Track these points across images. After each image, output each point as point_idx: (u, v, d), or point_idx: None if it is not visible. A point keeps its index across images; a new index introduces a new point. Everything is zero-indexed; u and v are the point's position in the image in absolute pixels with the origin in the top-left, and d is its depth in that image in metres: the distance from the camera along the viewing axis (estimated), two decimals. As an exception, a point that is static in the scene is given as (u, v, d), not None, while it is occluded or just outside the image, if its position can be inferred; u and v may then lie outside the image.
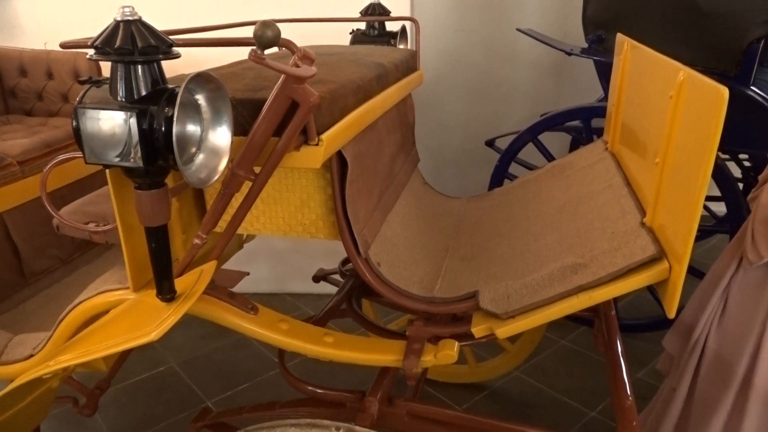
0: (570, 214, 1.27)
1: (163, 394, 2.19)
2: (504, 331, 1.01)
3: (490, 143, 2.62)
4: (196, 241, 0.99)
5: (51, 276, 1.77)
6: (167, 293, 0.91)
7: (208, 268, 0.99)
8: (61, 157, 0.98)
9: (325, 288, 2.38)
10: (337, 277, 1.93)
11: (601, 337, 1.37)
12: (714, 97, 0.78)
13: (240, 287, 2.29)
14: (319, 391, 1.26)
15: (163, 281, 0.90)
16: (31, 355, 1.24)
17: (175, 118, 0.72)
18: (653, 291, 2.45)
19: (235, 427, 1.35)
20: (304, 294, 2.87)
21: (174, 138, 0.72)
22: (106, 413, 2.07)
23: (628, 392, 1.07)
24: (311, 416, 1.22)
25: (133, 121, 0.73)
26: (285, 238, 2.86)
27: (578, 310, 0.96)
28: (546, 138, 2.41)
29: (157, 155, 0.76)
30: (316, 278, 1.95)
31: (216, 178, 0.84)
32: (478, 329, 1.06)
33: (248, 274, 2.41)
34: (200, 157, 0.83)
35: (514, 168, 2.40)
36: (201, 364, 2.36)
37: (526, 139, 2.40)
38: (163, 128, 0.75)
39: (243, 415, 1.30)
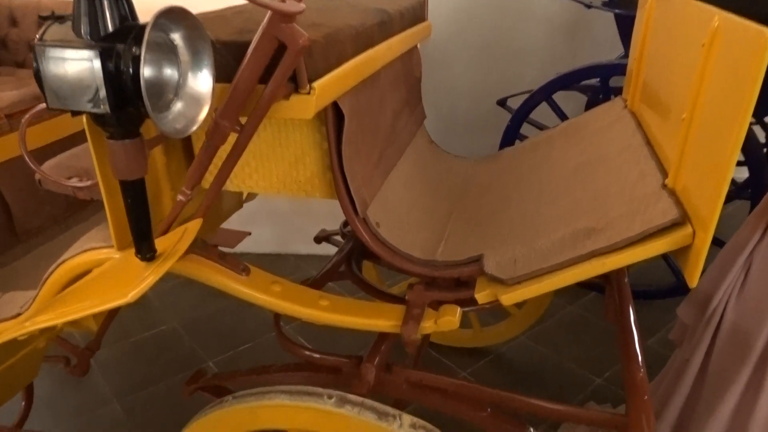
0: (585, 177, 1.18)
1: (164, 354, 2.17)
2: (509, 297, 0.95)
3: (501, 103, 2.51)
4: (180, 197, 0.93)
5: (44, 234, 1.72)
6: (147, 252, 0.85)
7: (192, 227, 0.93)
8: (41, 106, 0.91)
9: (329, 249, 2.32)
10: (339, 238, 1.87)
11: (613, 305, 1.30)
12: (755, 41, 0.69)
13: (243, 248, 2.26)
14: (315, 355, 1.21)
15: (141, 240, 0.84)
16: (19, 314, 1.20)
17: (143, 58, 0.64)
18: (666, 257, 2.37)
19: (228, 390, 1.31)
20: (307, 255, 2.82)
21: (142, 81, 0.65)
22: (107, 373, 2.06)
23: (640, 364, 1.01)
24: (307, 381, 1.17)
25: (97, 61, 0.65)
26: (287, 199, 2.81)
27: (589, 277, 0.89)
28: (561, 99, 2.30)
29: (127, 101, 0.69)
30: (318, 239, 1.89)
31: (194, 128, 0.76)
32: (482, 295, 0.99)
33: (249, 234, 2.36)
34: (178, 105, 0.75)
35: (526, 129, 2.30)
36: (202, 325, 2.33)
37: (540, 99, 2.30)
38: (130, 70, 0.67)
39: (237, 378, 1.26)
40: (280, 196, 2.75)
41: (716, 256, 1.35)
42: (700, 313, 1.31)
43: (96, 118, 0.73)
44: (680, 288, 2.39)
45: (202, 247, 1.06)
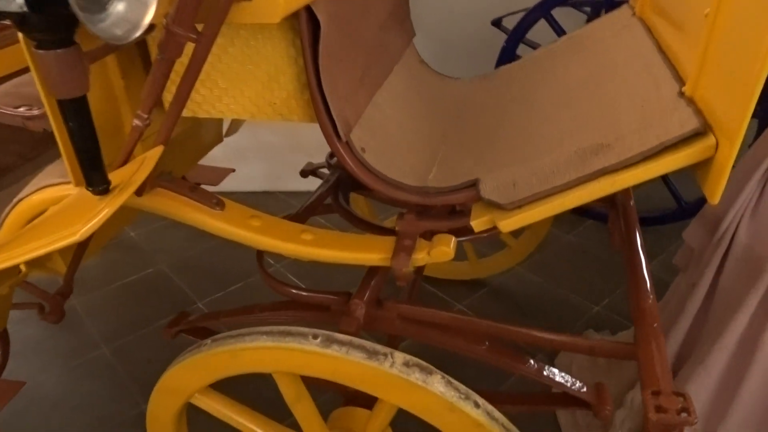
0: (590, 90, 1.07)
1: (153, 296, 2.11)
2: (508, 223, 0.86)
3: (496, 23, 2.36)
4: (136, 121, 0.82)
5: (13, 174, 1.61)
6: (99, 185, 0.75)
7: (152, 155, 0.82)
8: None
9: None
10: (327, 171, 1.77)
11: (617, 231, 1.22)
12: None
13: (231, 185, 2.15)
14: (301, 293, 1.14)
15: (91, 171, 0.74)
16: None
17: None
18: (667, 181, 2.30)
19: (213, 331, 1.25)
20: (299, 192, 2.73)
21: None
22: (95, 317, 2.01)
23: (649, 291, 0.94)
24: (294, 320, 1.11)
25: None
26: (277, 132, 2.68)
27: (596, 198, 0.80)
28: (560, 16, 2.15)
29: (47, -5, 0.57)
30: (304, 173, 1.78)
31: (138, 34, 0.65)
32: (479, 222, 0.91)
33: (233, 171, 2.24)
34: (119, 7, 0.64)
35: (523, 50, 2.16)
36: (191, 265, 2.27)
37: (537, 17, 2.15)
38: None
39: (221, 320, 1.20)
40: (263, 126, 2.63)
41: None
42: (708, 235, 1.24)
43: (18, 23, 0.62)
44: (680, 213, 2.33)
45: (169, 180, 0.96)
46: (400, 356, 0.81)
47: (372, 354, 0.81)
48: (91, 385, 1.74)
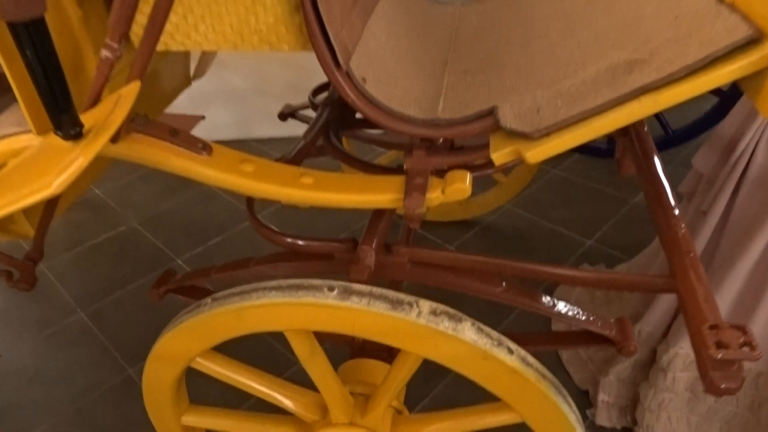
0: (605, 5, 0.98)
1: (128, 255, 1.99)
2: (536, 153, 0.78)
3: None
4: (105, 53, 0.69)
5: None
6: (69, 128, 0.63)
7: (129, 92, 0.70)
8: None
9: (296, 129, 2.10)
10: (307, 112, 1.65)
11: (629, 160, 1.16)
12: None
13: (197, 135, 2.01)
14: (300, 242, 1.05)
15: (58, 111, 0.62)
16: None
17: None
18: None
19: (205, 289, 1.16)
20: (271, 139, 2.59)
21: None
22: (67, 282, 1.88)
23: (679, 218, 0.88)
24: (294, 273, 1.02)
25: None
26: (244, 76, 2.50)
27: (636, 119, 0.73)
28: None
29: None
30: (283, 115, 1.66)
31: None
32: (500, 155, 0.82)
33: (203, 117, 2.09)
34: None
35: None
36: (165, 221, 2.14)
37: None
38: None
39: (212, 276, 1.10)
40: (229, 69, 2.45)
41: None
42: (722, 160, 1.18)
43: None
44: (667, 141, 2.30)
45: (145, 123, 0.84)
46: (426, 304, 0.74)
47: (396, 304, 0.73)
48: (70, 354, 1.64)
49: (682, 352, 1.24)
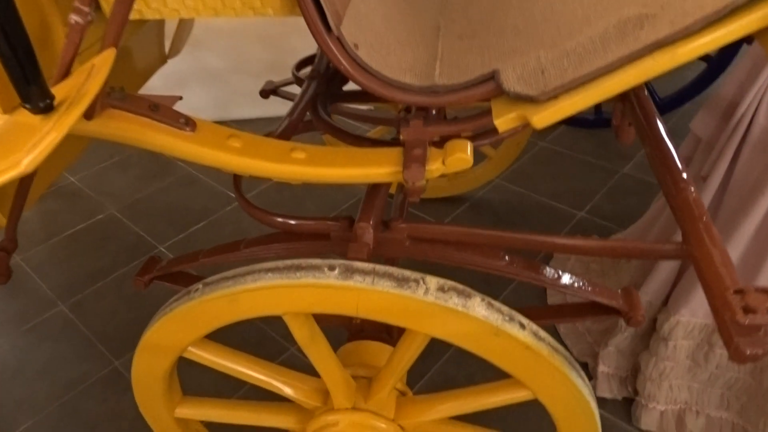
0: (604, -39, 0.93)
1: (108, 244, 1.92)
2: (543, 117, 0.73)
3: None
4: (75, 18, 0.63)
5: None
6: (39, 100, 0.57)
7: (103, 60, 0.64)
8: None
9: (278, 108, 2.04)
10: (290, 89, 1.59)
11: (627, 127, 1.12)
12: None
13: (174, 114, 1.92)
14: (292, 222, 1.00)
15: (25, 82, 0.56)
16: None
17: None
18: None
19: (193, 276, 1.10)
20: (251, 120, 2.51)
21: None
22: (45, 274, 1.81)
23: (689, 182, 0.85)
24: (287, 254, 0.97)
25: None
26: (221, 55, 2.41)
27: (652, 76, 0.69)
28: None
29: None
30: (264, 92, 1.60)
31: None
32: (504, 120, 0.77)
33: (180, 98, 2.00)
34: None
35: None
36: (145, 208, 2.07)
37: None
38: None
39: (200, 261, 1.05)
40: (205, 48, 2.36)
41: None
42: (722, 123, 1.16)
43: None
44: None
45: (122, 98, 0.78)
46: (433, 281, 0.70)
47: (402, 281, 0.69)
48: (52, 348, 1.58)
49: (683, 320, 1.22)
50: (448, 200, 2.03)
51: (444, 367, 1.49)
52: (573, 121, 2.32)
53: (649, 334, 1.33)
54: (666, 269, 1.27)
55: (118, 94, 0.78)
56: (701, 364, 1.25)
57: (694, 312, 1.21)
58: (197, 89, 2.48)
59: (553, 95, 0.74)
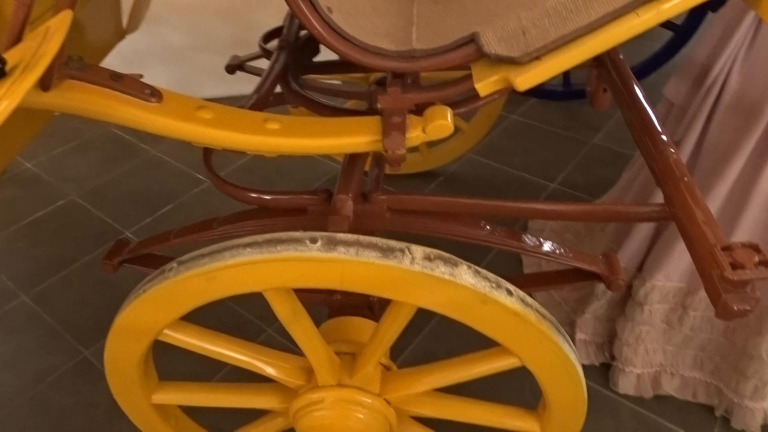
0: None
1: (70, 231, 1.84)
2: (526, 79, 0.72)
3: None
4: (24, -24, 0.58)
5: None
6: (-11, 64, 0.52)
7: (59, 22, 0.59)
8: None
9: (242, 86, 1.97)
10: (257, 64, 1.54)
11: (602, 92, 1.12)
12: None
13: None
14: (266, 197, 0.96)
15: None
16: None
17: None
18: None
19: (164, 257, 1.06)
20: (215, 99, 2.40)
21: None
22: (3, 263, 1.72)
23: (668, 143, 0.85)
24: (263, 231, 0.94)
25: None
26: (183, 31, 2.32)
27: (636, 33, 0.67)
28: None
29: None
30: (230, 68, 1.54)
31: None
32: (485, 84, 0.76)
33: (141, 76, 1.92)
34: None
35: None
36: (108, 192, 1.99)
37: None
38: None
39: (172, 241, 1.01)
40: (165, 24, 2.27)
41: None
42: (694, 88, 1.16)
43: None
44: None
45: (81, 67, 0.73)
46: (418, 250, 0.68)
47: (387, 251, 0.67)
48: (16, 340, 1.51)
49: (658, 284, 1.24)
50: (420, 176, 2.01)
51: (424, 341, 1.48)
52: (542, 94, 2.32)
53: (625, 301, 1.35)
54: (640, 236, 1.29)
55: (76, 63, 0.73)
56: (675, 327, 1.28)
57: (668, 276, 1.23)
58: (157, 67, 2.39)
59: (536, 56, 0.72)
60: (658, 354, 1.31)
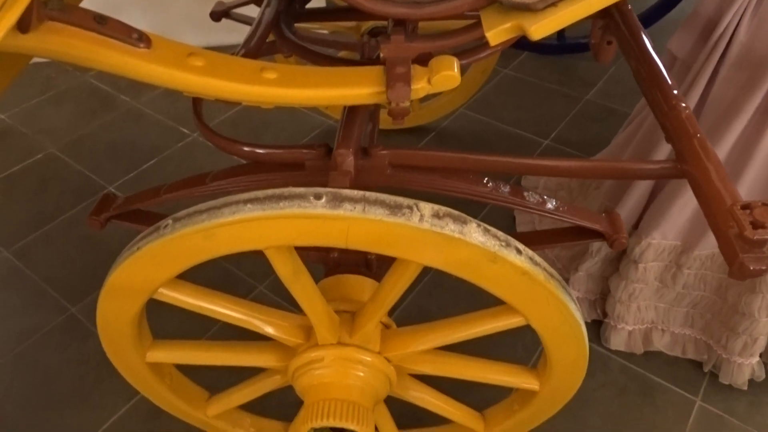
0: None
1: (50, 185, 1.78)
2: (542, 27, 0.68)
3: None
4: None
5: None
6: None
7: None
8: None
9: (227, 36, 1.90)
10: (244, 11, 1.47)
11: (607, 45, 1.08)
12: None
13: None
14: (260, 151, 0.92)
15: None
16: None
17: None
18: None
19: (155, 214, 1.02)
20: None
21: None
22: (-22, 218, 1.66)
23: (680, 99, 0.82)
24: (259, 186, 0.90)
25: None
26: (159, -24, 2.20)
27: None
28: None
29: None
30: (216, 14, 1.47)
31: None
32: (497, 32, 0.72)
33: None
34: None
35: None
36: (88, 146, 1.92)
37: None
38: None
39: (162, 197, 0.97)
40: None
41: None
42: (700, 42, 1.13)
43: None
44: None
45: (63, 9, 0.67)
46: (427, 207, 0.66)
47: (394, 208, 0.64)
48: (-1, 297, 1.47)
49: (654, 242, 1.23)
50: (412, 131, 1.97)
51: (416, 298, 1.48)
52: (536, 47, 2.26)
53: (618, 259, 1.35)
54: (638, 194, 1.27)
55: (56, 3, 0.67)
56: (669, 284, 1.28)
57: (665, 234, 1.22)
58: (135, 15, 2.27)
59: (552, 2, 0.68)
60: (650, 311, 1.33)
